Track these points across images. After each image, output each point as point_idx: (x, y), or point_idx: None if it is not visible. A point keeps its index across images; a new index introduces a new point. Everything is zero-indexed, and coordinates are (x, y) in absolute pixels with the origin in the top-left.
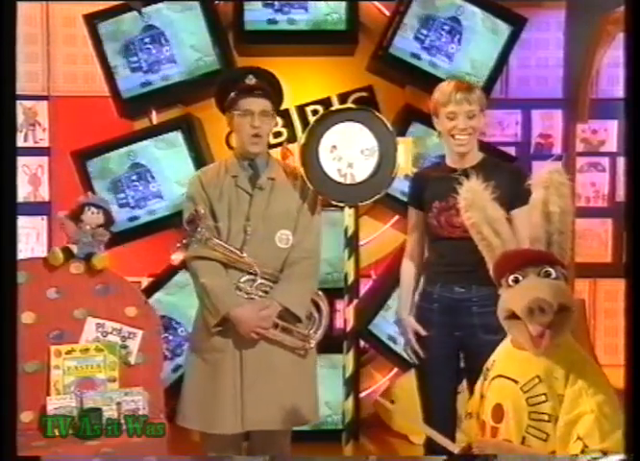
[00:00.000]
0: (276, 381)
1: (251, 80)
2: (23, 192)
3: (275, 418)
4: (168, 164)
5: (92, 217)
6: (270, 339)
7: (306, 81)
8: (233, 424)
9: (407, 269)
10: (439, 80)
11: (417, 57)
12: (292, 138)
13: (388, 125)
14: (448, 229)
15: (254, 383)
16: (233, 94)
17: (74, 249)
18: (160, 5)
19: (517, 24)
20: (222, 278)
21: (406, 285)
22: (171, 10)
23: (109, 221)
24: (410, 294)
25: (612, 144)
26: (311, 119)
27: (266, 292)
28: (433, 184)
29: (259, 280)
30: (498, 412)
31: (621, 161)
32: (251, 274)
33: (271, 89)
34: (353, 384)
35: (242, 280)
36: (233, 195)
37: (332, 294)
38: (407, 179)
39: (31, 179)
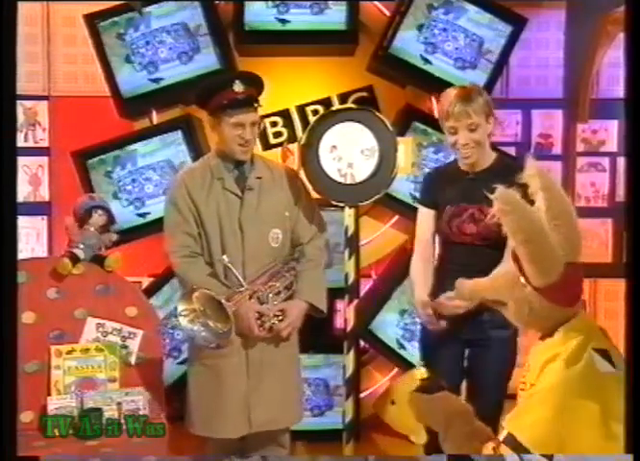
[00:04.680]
0: (278, 381)
1: (239, 86)
2: (23, 192)
3: (278, 417)
4: None
5: (98, 219)
6: (272, 339)
7: (306, 81)
8: (241, 427)
9: (419, 268)
10: (439, 79)
11: (417, 56)
12: (292, 138)
13: (388, 125)
14: (459, 235)
15: (258, 385)
16: (223, 103)
17: (80, 254)
18: None
19: (517, 24)
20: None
21: (421, 283)
22: None
23: (111, 220)
24: (428, 289)
25: (612, 144)
26: (312, 119)
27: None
28: (447, 187)
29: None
30: None
31: (621, 161)
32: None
33: (256, 92)
34: (353, 384)
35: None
36: (222, 198)
37: (332, 294)
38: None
39: (31, 179)
